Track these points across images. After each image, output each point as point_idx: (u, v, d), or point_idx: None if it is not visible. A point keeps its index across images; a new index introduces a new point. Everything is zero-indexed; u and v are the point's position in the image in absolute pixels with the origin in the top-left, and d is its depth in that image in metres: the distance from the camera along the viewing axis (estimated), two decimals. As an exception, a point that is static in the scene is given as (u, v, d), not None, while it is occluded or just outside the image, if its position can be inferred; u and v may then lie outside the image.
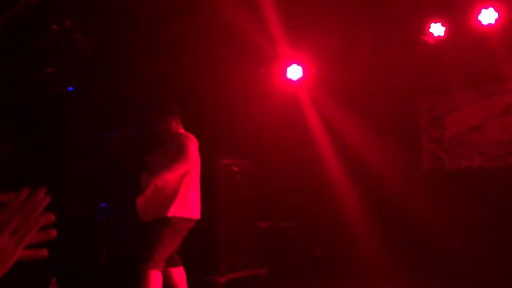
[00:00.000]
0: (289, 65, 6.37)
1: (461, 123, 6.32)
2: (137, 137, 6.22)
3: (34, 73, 5.00)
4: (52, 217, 0.85)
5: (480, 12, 4.96)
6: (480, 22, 5.00)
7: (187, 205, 3.98)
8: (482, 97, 6.14)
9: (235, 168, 6.33)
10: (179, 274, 4.10)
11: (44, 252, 0.86)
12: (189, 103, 6.61)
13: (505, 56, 5.26)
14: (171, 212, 3.85)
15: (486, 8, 4.92)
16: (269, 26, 5.19)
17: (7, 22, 4.20)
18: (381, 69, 6.07)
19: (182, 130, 4.21)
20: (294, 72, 6.38)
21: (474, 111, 6.21)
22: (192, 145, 3.97)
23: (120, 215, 6.50)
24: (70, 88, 5.66)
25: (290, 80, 6.54)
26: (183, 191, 3.95)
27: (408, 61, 5.77)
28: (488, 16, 4.94)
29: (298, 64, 6.35)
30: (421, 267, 6.18)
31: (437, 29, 5.28)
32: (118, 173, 6.91)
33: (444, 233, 6.24)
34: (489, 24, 4.96)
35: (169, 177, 3.85)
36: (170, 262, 4.02)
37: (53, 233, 0.86)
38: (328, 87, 6.71)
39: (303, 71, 6.38)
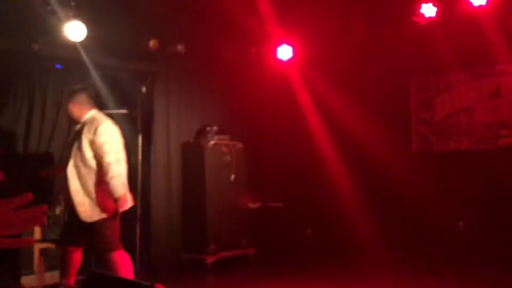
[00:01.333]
0: (280, 45, 6.31)
1: (450, 105, 6.34)
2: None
3: None
4: (44, 207, 0.85)
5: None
6: (471, 3, 4.97)
7: None
8: (472, 79, 6.15)
9: (225, 149, 6.33)
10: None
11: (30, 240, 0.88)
12: (180, 84, 6.58)
13: (495, 38, 5.25)
14: None
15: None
16: (259, 5, 5.12)
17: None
18: (372, 50, 6.04)
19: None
20: (284, 52, 6.33)
21: (463, 93, 6.22)
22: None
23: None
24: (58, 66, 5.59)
25: (281, 60, 6.49)
26: None
27: (399, 42, 5.74)
28: (478, -2, 4.91)
29: (288, 44, 6.30)
30: (411, 245, 6.27)
31: (428, 10, 5.24)
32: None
33: (432, 212, 6.31)
34: (480, 6, 4.93)
35: None
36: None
37: (44, 220, 0.85)
38: (319, 67, 6.67)
39: (293, 51, 6.32)
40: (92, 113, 4.00)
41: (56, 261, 5.38)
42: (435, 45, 5.52)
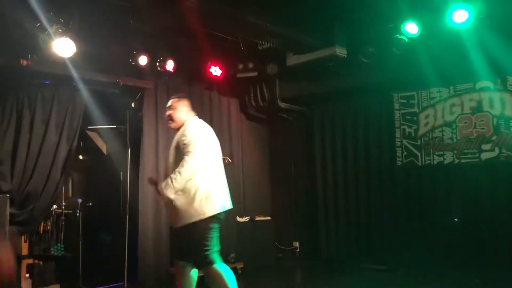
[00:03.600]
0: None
1: (434, 120, 6.48)
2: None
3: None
4: None
5: (453, 11, 5.07)
6: (452, 21, 5.10)
7: None
8: (454, 96, 6.30)
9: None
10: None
11: None
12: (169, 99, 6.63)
13: (475, 55, 5.40)
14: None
15: (459, 8, 5.03)
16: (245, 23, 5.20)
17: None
18: (356, 67, 6.16)
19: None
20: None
21: (446, 109, 6.36)
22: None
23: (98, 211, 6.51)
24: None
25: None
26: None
27: (383, 59, 5.87)
28: (460, 16, 5.05)
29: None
30: (399, 258, 6.34)
31: (411, 28, 5.38)
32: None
33: (416, 226, 6.40)
34: (461, 23, 5.07)
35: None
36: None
37: None
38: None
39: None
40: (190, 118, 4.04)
41: (42, 277, 5.37)
42: (418, 62, 5.65)
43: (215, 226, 3.79)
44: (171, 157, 3.90)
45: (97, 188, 6.84)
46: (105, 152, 7.02)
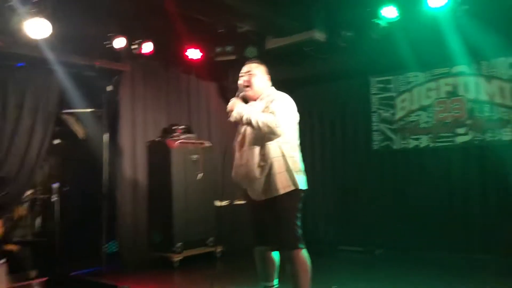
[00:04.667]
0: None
1: (410, 104, 6.56)
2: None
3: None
4: None
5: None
6: (430, 6, 5.14)
7: None
8: (431, 80, 6.38)
9: (192, 148, 6.34)
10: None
11: None
12: (146, 82, 6.55)
13: (452, 40, 5.46)
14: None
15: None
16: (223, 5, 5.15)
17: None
18: (334, 51, 6.17)
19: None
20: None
21: (423, 93, 6.45)
22: None
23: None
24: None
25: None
26: None
27: (361, 44, 5.89)
28: (437, 0, 5.09)
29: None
30: (373, 241, 6.46)
31: (389, 12, 5.40)
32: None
33: (392, 208, 6.52)
34: (438, 8, 5.11)
35: None
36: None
37: None
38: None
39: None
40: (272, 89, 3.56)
41: (19, 262, 5.30)
42: (396, 46, 5.69)
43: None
44: (248, 138, 3.37)
45: (74, 173, 6.76)
46: (82, 136, 6.92)
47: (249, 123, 3.28)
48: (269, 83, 3.55)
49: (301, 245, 3.28)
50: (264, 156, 3.29)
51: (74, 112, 6.38)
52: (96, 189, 6.16)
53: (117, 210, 6.01)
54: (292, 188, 3.30)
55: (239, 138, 3.50)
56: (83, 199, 6.56)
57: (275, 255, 3.48)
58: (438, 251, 5.89)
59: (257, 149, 3.31)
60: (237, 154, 3.48)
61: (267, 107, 3.34)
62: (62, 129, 6.62)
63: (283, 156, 3.30)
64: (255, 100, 3.47)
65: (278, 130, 3.23)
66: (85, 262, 5.87)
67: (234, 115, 3.33)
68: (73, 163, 6.85)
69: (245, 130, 3.44)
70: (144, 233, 6.21)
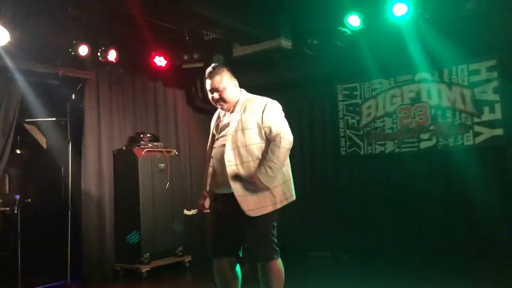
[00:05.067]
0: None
1: (375, 111, 6.68)
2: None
3: None
4: None
5: (393, 5, 5.24)
6: (393, 14, 5.27)
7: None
8: (395, 87, 6.52)
9: (159, 156, 6.27)
10: None
11: None
12: (111, 90, 6.44)
13: (414, 48, 5.61)
14: None
15: (399, 2, 5.20)
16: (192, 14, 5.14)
17: None
18: (301, 59, 6.24)
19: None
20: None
21: (387, 100, 6.58)
22: None
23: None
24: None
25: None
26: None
27: (327, 51, 5.97)
28: (400, 9, 5.23)
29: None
30: (341, 246, 6.51)
31: (354, 21, 5.50)
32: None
33: (359, 213, 6.61)
34: (401, 17, 5.25)
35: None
36: None
37: None
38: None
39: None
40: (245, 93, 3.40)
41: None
42: (360, 54, 5.80)
43: None
44: (232, 142, 3.17)
45: (36, 184, 6.58)
46: (44, 145, 6.74)
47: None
48: (237, 86, 3.37)
49: (277, 255, 3.21)
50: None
51: (37, 121, 6.21)
52: (59, 200, 6.00)
53: (82, 221, 5.87)
54: (285, 202, 3.29)
55: (216, 144, 3.30)
56: (46, 211, 6.38)
57: (238, 269, 3.35)
58: (406, 255, 5.99)
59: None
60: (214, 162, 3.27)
61: (252, 112, 3.20)
62: (24, 139, 6.42)
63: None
64: (233, 110, 3.29)
65: (289, 139, 3.24)
66: (49, 276, 5.70)
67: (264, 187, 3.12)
68: (36, 174, 6.66)
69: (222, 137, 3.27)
70: (111, 244, 6.08)
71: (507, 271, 5.16)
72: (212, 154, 3.31)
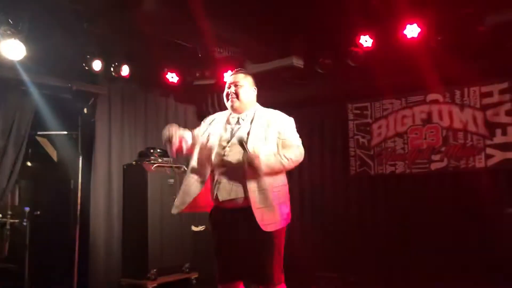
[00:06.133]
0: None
1: (386, 131, 6.65)
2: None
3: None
4: None
5: (405, 26, 5.25)
6: (405, 35, 5.28)
7: None
8: (406, 107, 6.50)
9: (168, 172, 6.28)
10: None
11: None
12: (123, 105, 6.49)
13: (426, 69, 5.59)
14: None
15: (411, 23, 5.22)
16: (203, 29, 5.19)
17: None
18: (312, 77, 6.25)
19: None
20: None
21: (398, 120, 6.55)
22: None
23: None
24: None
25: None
26: None
27: (338, 71, 5.99)
28: (412, 31, 5.24)
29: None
30: (352, 266, 6.43)
31: (365, 41, 5.52)
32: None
33: (369, 233, 6.53)
34: (413, 38, 5.26)
35: None
36: None
37: None
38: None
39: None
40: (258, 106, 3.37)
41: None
42: (372, 74, 5.80)
43: None
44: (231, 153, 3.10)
45: (46, 197, 6.59)
46: (55, 159, 6.78)
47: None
48: (255, 96, 3.31)
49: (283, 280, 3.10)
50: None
51: (49, 134, 6.26)
52: (68, 213, 6.02)
53: (90, 235, 5.87)
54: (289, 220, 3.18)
55: (227, 152, 3.14)
56: (55, 224, 6.38)
57: None
58: (421, 277, 5.88)
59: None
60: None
61: (271, 123, 3.17)
62: (36, 152, 6.47)
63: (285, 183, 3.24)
64: (240, 113, 3.21)
65: (302, 152, 3.24)
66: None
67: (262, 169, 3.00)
68: (46, 187, 6.68)
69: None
70: (118, 259, 6.06)
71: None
72: (223, 163, 3.13)
